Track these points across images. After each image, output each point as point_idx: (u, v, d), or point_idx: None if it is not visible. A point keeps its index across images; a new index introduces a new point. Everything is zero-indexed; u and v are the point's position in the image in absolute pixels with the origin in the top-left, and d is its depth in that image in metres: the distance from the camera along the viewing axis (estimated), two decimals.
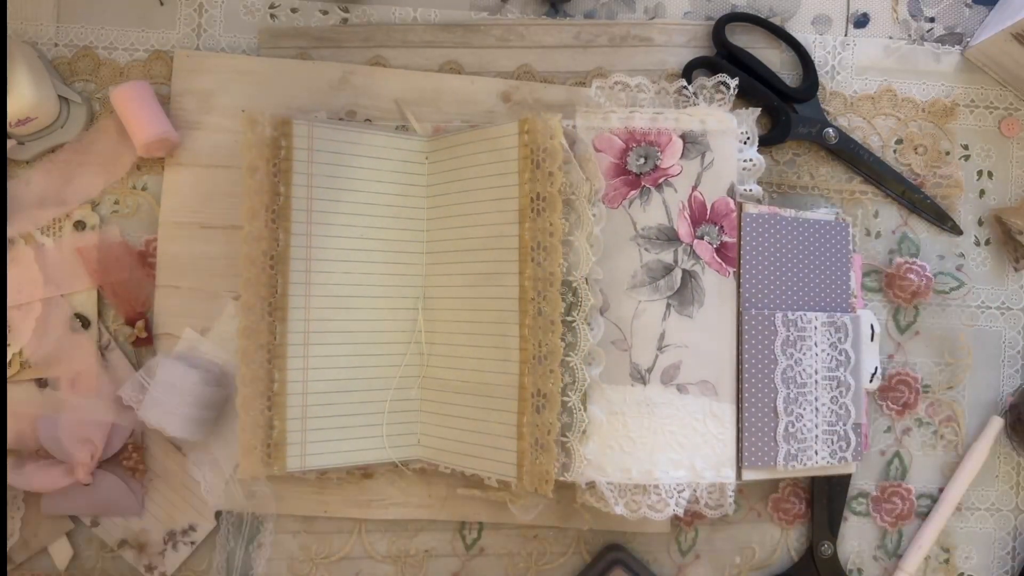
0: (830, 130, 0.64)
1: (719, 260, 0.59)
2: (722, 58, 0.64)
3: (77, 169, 0.62)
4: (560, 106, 0.64)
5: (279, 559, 0.62)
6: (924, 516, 0.65)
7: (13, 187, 0.61)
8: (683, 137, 0.59)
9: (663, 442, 0.57)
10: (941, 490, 0.65)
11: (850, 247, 0.62)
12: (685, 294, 0.58)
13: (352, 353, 0.59)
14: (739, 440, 0.58)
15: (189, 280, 0.62)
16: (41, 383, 0.61)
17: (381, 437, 0.60)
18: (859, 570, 0.65)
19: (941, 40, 0.67)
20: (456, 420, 0.59)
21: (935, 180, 0.66)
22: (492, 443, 0.57)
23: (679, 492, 0.57)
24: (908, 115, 0.66)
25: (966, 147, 0.66)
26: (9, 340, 0.60)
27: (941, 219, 0.66)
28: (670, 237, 0.59)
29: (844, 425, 0.60)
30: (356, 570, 0.63)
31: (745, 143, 0.61)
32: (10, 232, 0.61)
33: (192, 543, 0.61)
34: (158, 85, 0.63)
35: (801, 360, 0.59)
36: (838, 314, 0.60)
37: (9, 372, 0.60)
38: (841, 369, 0.60)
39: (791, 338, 0.59)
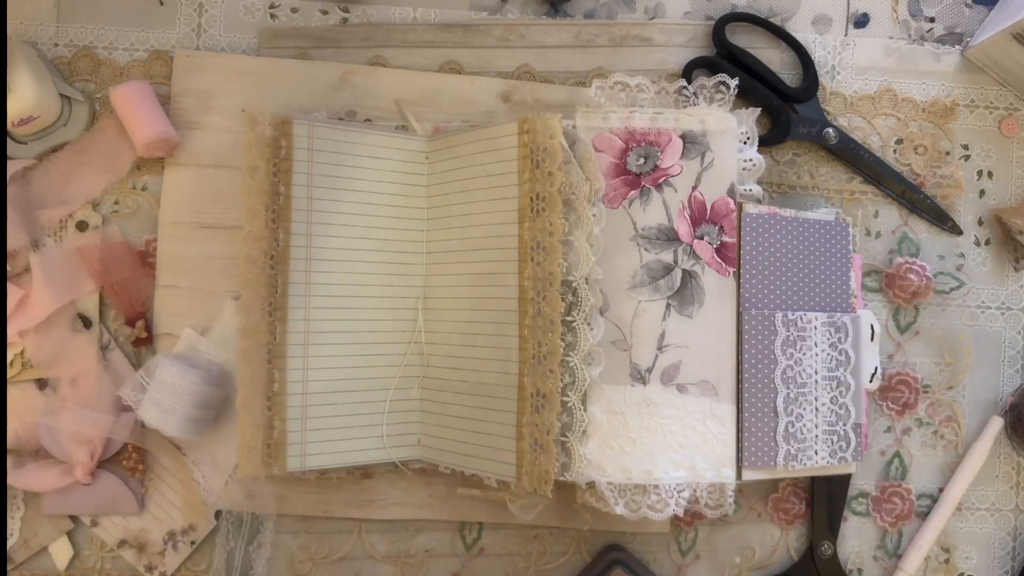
0: (830, 130, 0.64)
1: (719, 260, 0.59)
2: (722, 58, 0.64)
3: (77, 169, 0.62)
4: (560, 106, 0.64)
5: (279, 559, 0.62)
6: (924, 516, 0.65)
7: (13, 188, 0.61)
8: (683, 137, 0.59)
9: (663, 442, 0.57)
10: (941, 490, 0.65)
11: (850, 247, 0.62)
12: (685, 294, 0.58)
13: (352, 353, 0.59)
14: (739, 440, 0.58)
15: (189, 280, 0.62)
16: (41, 383, 0.61)
17: (381, 437, 0.60)
18: (859, 570, 0.65)
19: (941, 40, 0.67)
20: (456, 420, 0.59)
21: (935, 180, 0.66)
22: (492, 443, 0.57)
23: (679, 492, 0.57)
24: (908, 115, 0.66)
25: (966, 147, 0.66)
26: (10, 340, 0.60)
27: (941, 219, 0.66)
28: (670, 237, 0.59)
29: (844, 425, 0.60)
30: (356, 570, 0.63)
31: (745, 143, 0.61)
32: (19, 240, 0.61)
33: (192, 543, 0.61)
34: (158, 85, 0.63)
35: (801, 360, 0.59)
36: (838, 314, 0.60)
37: (10, 372, 0.60)
38: (841, 369, 0.60)
39: (791, 338, 0.59)
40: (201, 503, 0.61)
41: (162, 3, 0.64)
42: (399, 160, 0.61)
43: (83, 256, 0.61)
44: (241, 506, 0.61)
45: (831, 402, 0.60)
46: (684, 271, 0.59)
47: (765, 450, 0.58)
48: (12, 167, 0.61)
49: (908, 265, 0.64)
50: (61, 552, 0.61)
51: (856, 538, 0.65)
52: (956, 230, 0.66)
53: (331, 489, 0.62)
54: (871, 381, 0.62)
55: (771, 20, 0.66)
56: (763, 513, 0.64)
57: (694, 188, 0.59)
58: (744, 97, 0.63)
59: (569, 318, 0.56)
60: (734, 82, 0.61)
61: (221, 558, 0.62)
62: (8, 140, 0.61)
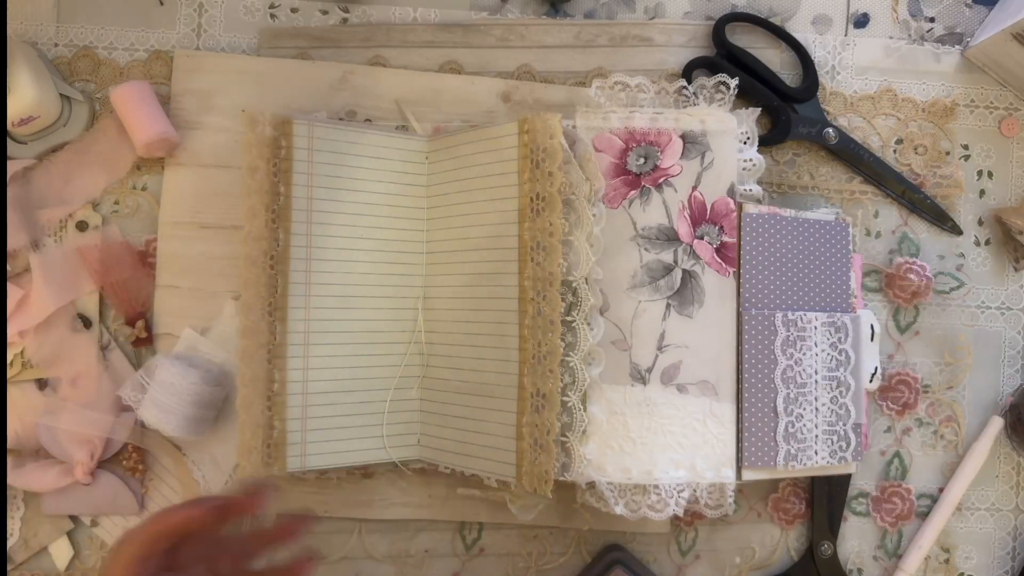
0: (830, 130, 0.64)
1: (719, 260, 0.59)
2: (722, 58, 0.64)
3: (78, 169, 0.62)
4: (560, 106, 0.64)
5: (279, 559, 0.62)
6: (924, 516, 0.65)
7: (13, 188, 0.61)
8: (683, 137, 0.59)
9: (663, 442, 0.57)
10: (941, 490, 0.65)
11: (850, 247, 0.62)
12: (685, 294, 0.58)
13: (352, 353, 0.59)
14: (739, 440, 0.58)
15: (189, 280, 0.62)
16: (41, 383, 0.61)
17: (381, 437, 0.60)
18: (859, 570, 0.65)
19: (941, 40, 0.67)
20: (456, 420, 0.59)
21: (935, 180, 0.66)
22: (492, 443, 0.57)
23: (679, 492, 0.57)
24: (908, 115, 0.66)
25: (966, 147, 0.66)
26: (10, 340, 0.60)
27: (941, 219, 0.66)
28: (670, 237, 0.59)
29: (844, 425, 0.60)
30: (356, 570, 0.62)
31: (745, 143, 0.61)
32: (19, 240, 0.61)
33: None
34: (158, 85, 0.63)
35: (801, 360, 0.59)
36: (838, 314, 0.60)
37: (10, 372, 0.60)
38: (841, 369, 0.60)
39: (791, 338, 0.59)
40: None
41: (162, 3, 0.64)
42: (399, 160, 0.61)
43: (83, 256, 0.61)
44: None
45: (831, 402, 0.60)
46: (684, 271, 0.59)
47: (765, 450, 0.58)
48: (12, 167, 0.61)
49: (908, 265, 0.64)
50: (61, 552, 0.61)
51: (856, 538, 0.65)
52: (956, 230, 0.66)
53: (331, 489, 0.62)
54: (871, 381, 0.62)
55: (771, 20, 0.66)
56: (763, 513, 0.64)
57: (694, 188, 0.59)
58: (744, 97, 0.63)
59: (569, 318, 0.56)
60: (734, 82, 0.61)
61: None
62: (8, 140, 0.61)
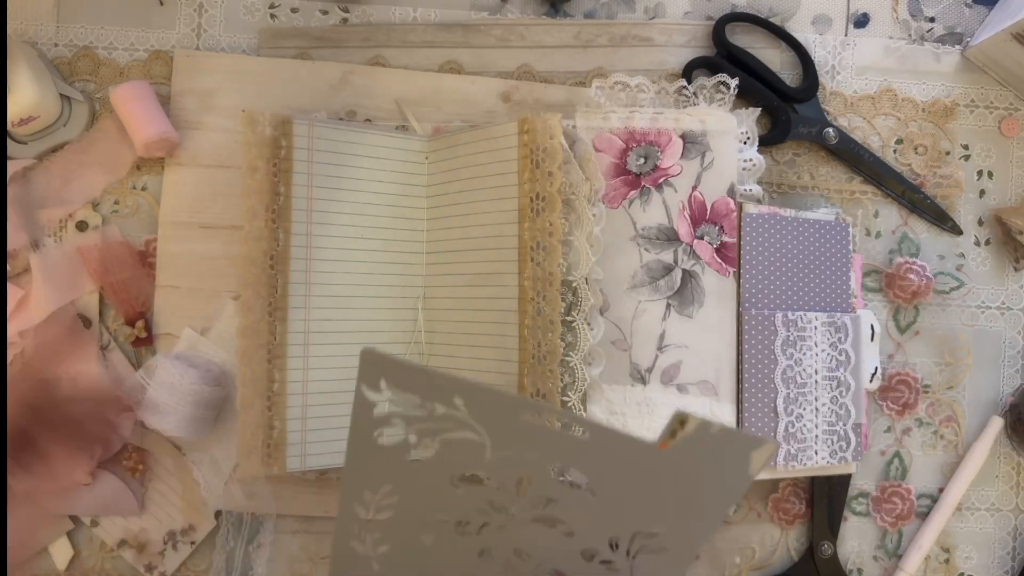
0: (830, 130, 0.64)
1: (719, 260, 0.59)
2: (722, 58, 0.64)
3: (77, 169, 0.62)
4: (560, 106, 0.64)
5: (279, 559, 0.62)
6: (924, 516, 0.65)
7: (13, 188, 0.61)
8: (683, 137, 0.59)
9: None
10: (941, 490, 0.65)
11: (850, 247, 0.62)
12: (685, 294, 0.58)
13: (352, 353, 0.59)
14: None
15: (189, 280, 0.62)
16: None
17: None
18: (859, 570, 0.65)
19: (941, 40, 0.67)
20: None
21: (935, 180, 0.66)
22: None
23: None
24: (908, 115, 0.66)
25: (966, 147, 0.66)
26: (10, 340, 0.60)
27: (941, 219, 0.66)
28: (670, 237, 0.59)
29: (844, 425, 0.60)
30: None
31: (745, 143, 0.61)
32: (19, 240, 0.61)
33: (192, 543, 0.61)
34: (158, 85, 0.63)
35: (801, 360, 0.59)
36: (838, 314, 0.60)
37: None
38: (841, 369, 0.60)
39: (791, 338, 0.59)
40: (201, 503, 0.61)
41: (162, 3, 0.64)
42: (399, 160, 0.61)
43: (83, 256, 0.61)
44: (241, 506, 0.61)
45: (831, 402, 0.60)
46: (684, 271, 0.59)
47: None
48: (12, 167, 0.61)
49: (908, 265, 0.64)
50: (61, 552, 0.61)
51: (856, 538, 0.65)
52: (956, 230, 0.66)
53: (331, 489, 0.62)
54: (871, 381, 0.62)
55: (771, 20, 0.66)
56: (763, 513, 0.64)
57: (694, 188, 0.59)
58: (744, 97, 0.63)
59: (569, 318, 0.56)
60: (734, 82, 0.61)
61: (221, 558, 0.62)
62: (8, 140, 0.61)
